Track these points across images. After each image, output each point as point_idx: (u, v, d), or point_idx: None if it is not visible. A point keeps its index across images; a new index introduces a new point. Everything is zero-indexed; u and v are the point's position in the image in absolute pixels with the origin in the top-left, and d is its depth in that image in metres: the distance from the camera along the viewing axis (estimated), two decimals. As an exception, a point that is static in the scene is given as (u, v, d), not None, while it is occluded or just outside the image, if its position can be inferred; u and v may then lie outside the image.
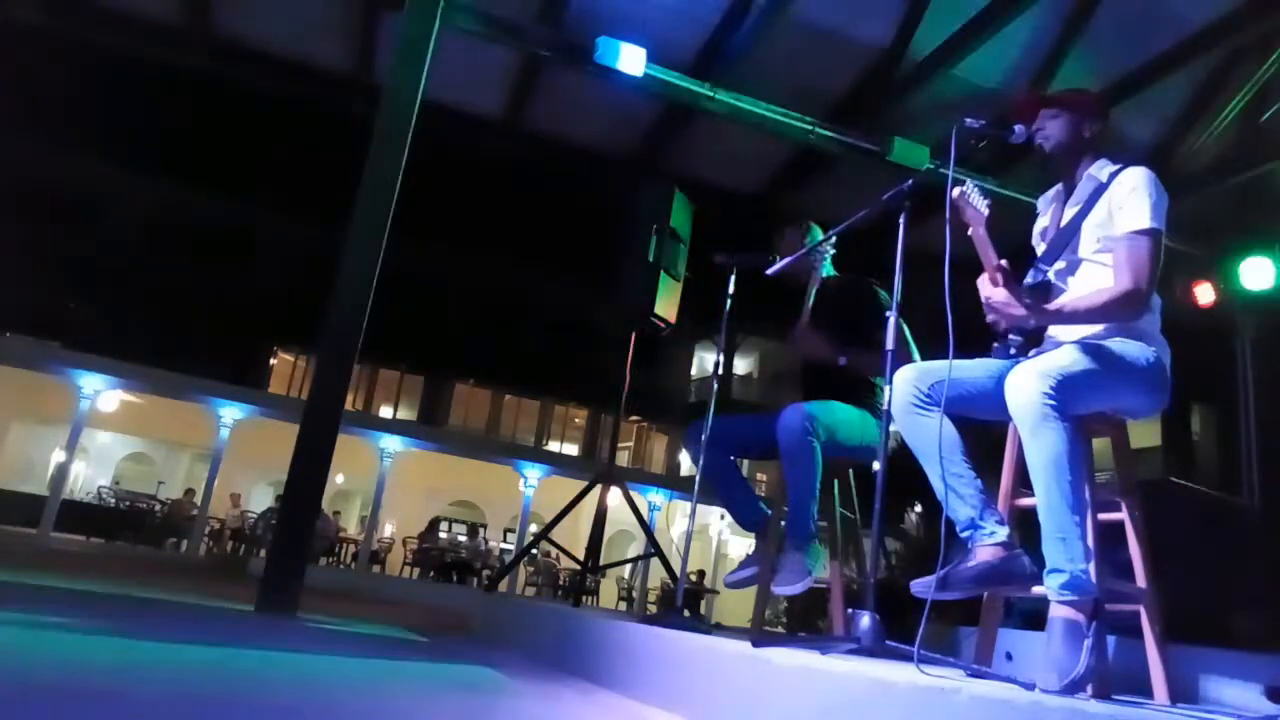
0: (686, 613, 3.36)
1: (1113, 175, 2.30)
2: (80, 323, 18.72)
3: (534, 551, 15.50)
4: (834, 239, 3.27)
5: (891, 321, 2.40)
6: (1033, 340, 2.35)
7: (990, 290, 2.28)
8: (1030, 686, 1.90)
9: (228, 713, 1.74)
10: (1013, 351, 2.32)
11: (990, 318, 2.33)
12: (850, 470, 3.19)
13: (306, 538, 4.51)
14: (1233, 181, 6.04)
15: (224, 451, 18.12)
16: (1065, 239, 2.36)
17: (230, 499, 17.12)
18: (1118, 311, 2.20)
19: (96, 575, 6.34)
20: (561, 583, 16.49)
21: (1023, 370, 2.13)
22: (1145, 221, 2.19)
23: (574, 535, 13.18)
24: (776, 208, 7.15)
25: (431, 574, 16.20)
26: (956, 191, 2.27)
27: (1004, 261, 2.26)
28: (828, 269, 3.42)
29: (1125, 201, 2.23)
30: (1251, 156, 5.84)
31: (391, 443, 19.66)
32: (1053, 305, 2.27)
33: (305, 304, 12.05)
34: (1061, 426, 2.04)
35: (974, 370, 2.35)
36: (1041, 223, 2.54)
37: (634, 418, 25.19)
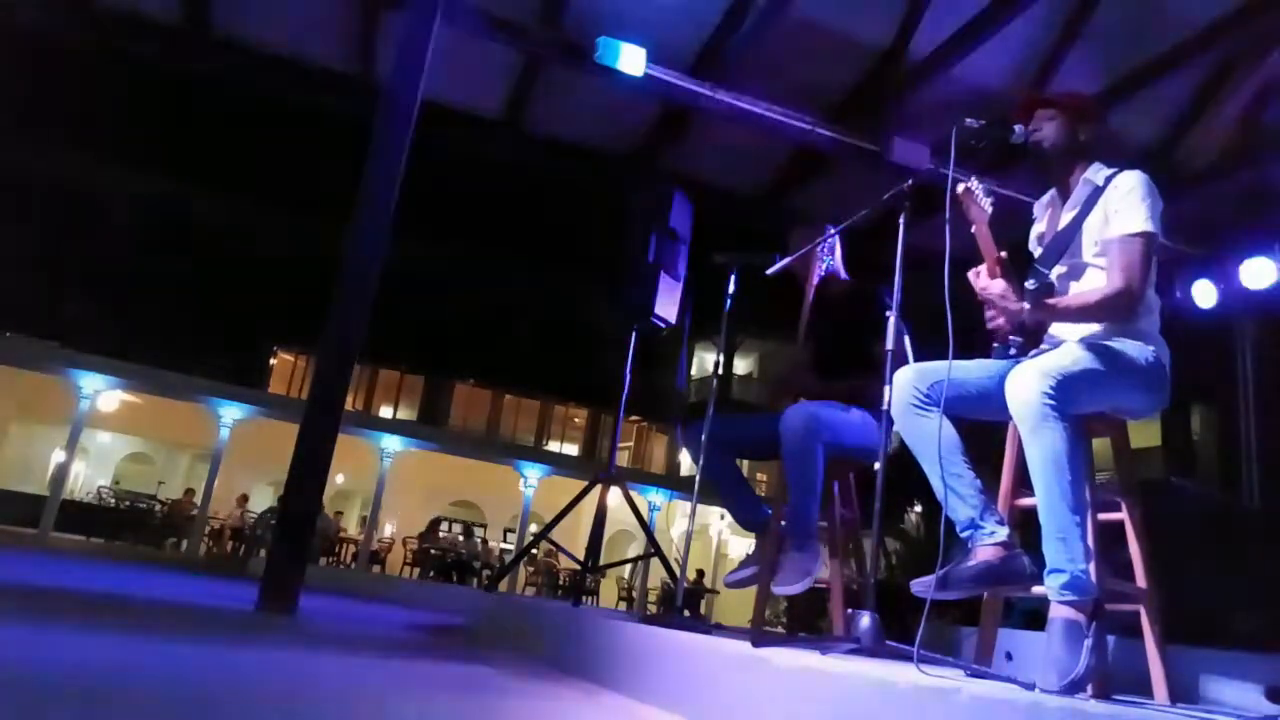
0: (686, 613, 3.36)
1: (1108, 179, 2.32)
2: (80, 323, 18.70)
3: (534, 551, 15.50)
4: (841, 241, 3.25)
5: (891, 322, 2.40)
6: (1032, 341, 2.35)
7: (987, 282, 2.28)
8: (1030, 686, 1.90)
9: (227, 713, 1.74)
10: (1013, 352, 2.32)
11: (990, 314, 2.32)
12: (850, 471, 3.18)
13: (306, 538, 4.51)
14: (1232, 181, 6.04)
15: (224, 451, 18.12)
16: (1064, 243, 2.36)
17: (236, 500, 17.05)
18: (1109, 310, 2.22)
19: (96, 575, 6.34)
20: (561, 583, 16.49)
21: (1023, 370, 2.13)
22: (1138, 225, 2.21)
23: (574, 535, 13.20)
24: (776, 208, 7.14)
25: (431, 574, 16.20)
26: (961, 187, 2.28)
27: (1003, 253, 2.26)
28: (837, 270, 3.39)
29: (1120, 205, 2.25)
30: (1251, 156, 5.84)
31: (391, 443, 19.66)
32: (1049, 301, 2.28)
33: (305, 304, 12.04)
34: (1062, 426, 2.04)
35: (974, 371, 2.35)
36: (1038, 228, 2.54)
37: (634, 418, 25.18)
